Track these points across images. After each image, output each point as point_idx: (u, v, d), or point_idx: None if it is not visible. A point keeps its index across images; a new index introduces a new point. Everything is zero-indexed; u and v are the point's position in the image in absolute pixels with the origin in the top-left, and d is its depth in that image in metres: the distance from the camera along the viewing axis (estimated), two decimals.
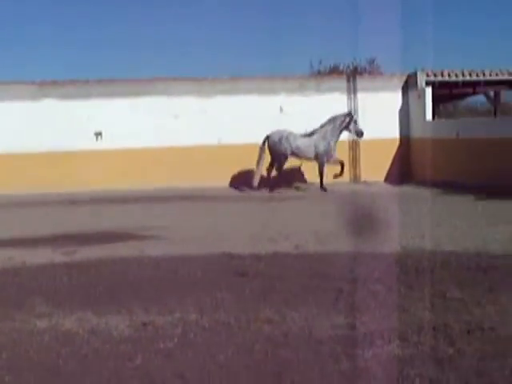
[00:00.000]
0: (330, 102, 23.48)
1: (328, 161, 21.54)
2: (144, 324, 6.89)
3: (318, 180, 21.44)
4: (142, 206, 18.26)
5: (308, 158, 21.81)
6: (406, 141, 24.14)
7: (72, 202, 19.33)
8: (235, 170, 22.94)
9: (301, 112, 23.13)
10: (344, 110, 23.72)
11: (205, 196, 19.80)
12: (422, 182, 21.04)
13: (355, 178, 23.70)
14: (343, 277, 8.69)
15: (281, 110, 23.52)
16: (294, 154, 21.54)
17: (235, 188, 22.20)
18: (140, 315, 7.23)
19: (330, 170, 21.50)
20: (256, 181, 21.46)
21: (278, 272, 9.09)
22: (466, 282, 8.21)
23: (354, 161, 23.73)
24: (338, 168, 21.32)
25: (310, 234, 12.11)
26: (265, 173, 21.74)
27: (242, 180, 22.65)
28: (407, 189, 20.76)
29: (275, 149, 21.40)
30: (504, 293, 7.65)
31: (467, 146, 20.27)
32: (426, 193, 18.99)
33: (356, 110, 23.84)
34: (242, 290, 8.14)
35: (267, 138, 21.53)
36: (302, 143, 21.36)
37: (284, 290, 8.08)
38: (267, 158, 21.65)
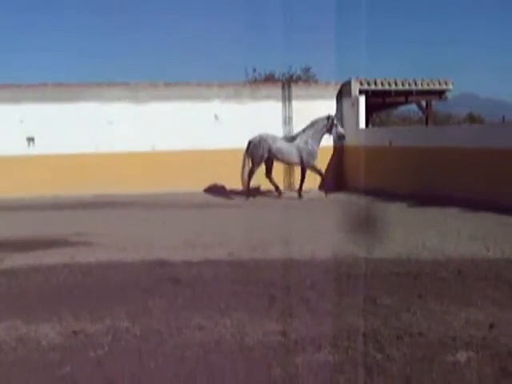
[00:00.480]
0: (265, 110, 23.61)
1: (310, 166, 21.24)
2: (74, 332, 6.81)
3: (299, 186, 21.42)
4: (76, 212, 18.04)
5: (292, 163, 21.61)
6: (340, 149, 24.36)
7: (2, 208, 18.99)
8: (170, 177, 22.77)
9: (236, 119, 23.22)
10: (279, 118, 23.88)
11: (140, 203, 19.65)
12: (356, 190, 21.27)
13: (290, 186, 23.81)
14: (276, 283, 8.73)
15: (216, 117, 23.53)
16: (275, 156, 21.12)
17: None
18: (70, 323, 7.13)
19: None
20: (244, 186, 21.10)
21: (210, 279, 9.09)
22: (396, 289, 8.33)
23: (289, 168, 23.84)
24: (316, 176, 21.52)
25: (245, 242, 12.12)
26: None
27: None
28: (341, 196, 20.96)
29: (253, 151, 21.04)
30: (433, 298, 7.79)
31: (400, 154, 20.58)
32: (358, 200, 19.19)
33: (290, 118, 24.00)
34: (174, 297, 8.10)
35: (249, 142, 21.20)
36: (284, 146, 21.00)
37: (216, 297, 8.07)
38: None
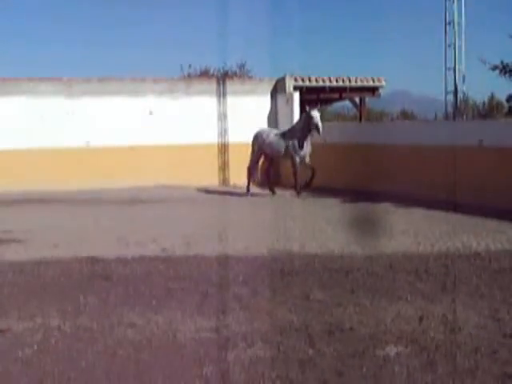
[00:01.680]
0: (200, 105, 23.53)
1: (300, 162, 19.60)
2: (2, 331, 6.68)
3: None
4: (6, 209, 17.69)
5: (280, 156, 20.54)
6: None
7: None
8: (104, 173, 22.46)
9: (170, 115, 23.09)
10: (214, 113, 23.81)
11: (73, 200, 19.38)
12: (291, 186, 21.32)
13: (224, 182, 23.79)
14: (209, 280, 8.72)
15: (150, 112, 23.35)
16: (267, 151, 20.54)
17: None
18: None
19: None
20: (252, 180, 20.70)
21: (143, 275, 9.03)
22: (328, 284, 8.40)
23: (223, 164, 23.83)
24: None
25: (179, 238, 12.06)
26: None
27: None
28: (276, 192, 20.99)
29: (252, 147, 20.68)
30: (364, 294, 7.87)
31: (334, 150, 20.73)
32: (293, 196, 19.26)
33: (225, 114, 23.96)
34: (105, 295, 8.03)
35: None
36: (274, 140, 20.24)
37: (148, 294, 8.02)
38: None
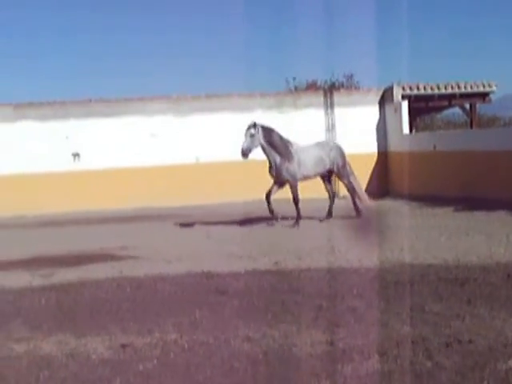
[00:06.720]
0: (307, 118, 23.56)
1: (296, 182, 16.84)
2: (123, 346, 6.85)
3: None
4: (122, 226, 18.17)
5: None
6: (383, 155, 24.25)
7: (49, 223, 19.22)
8: (215, 189, 22.78)
9: (278, 128, 23.17)
10: (321, 125, 23.82)
11: (186, 215, 19.68)
12: (400, 196, 21.11)
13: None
14: (322, 293, 8.70)
15: None
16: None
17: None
18: (119, 337, 7.19)
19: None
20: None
21: (257, 289, 9.09)
22: (444, 295, 8.24)
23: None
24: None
25: (290, 251, 12.08)
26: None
27: None
28: (385, 202, 20.79)
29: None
30: (482, 305, 7.68)
31: (444, 158, 20.40)
32: (404, 206, 19.05)
33: (333, 126, 23.93)
34: (221, 309, 8.12)
35: None
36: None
37: (263, 308, 8.06)
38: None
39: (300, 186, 16.90)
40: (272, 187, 16.86)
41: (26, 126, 22.82)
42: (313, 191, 18.14)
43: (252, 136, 16.54)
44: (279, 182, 16.89)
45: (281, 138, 16.88)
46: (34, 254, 13.36)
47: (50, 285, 10.16)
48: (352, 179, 17.48)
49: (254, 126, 16.63)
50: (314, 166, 17.05)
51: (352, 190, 17.37)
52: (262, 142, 16.66)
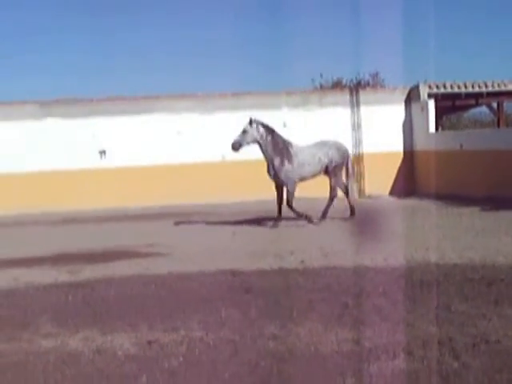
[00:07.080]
0: (333, 116, 23.52)
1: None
2: (149, 342, 6.88)
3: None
4: (146, 223, 18.27)
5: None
6: (409, 154, 24.14)
7: (75, 220, 19.34)
8: (239, 187, 22.76)
9: (304, 127, 23.16)
10: (347, 124, 23.77)
11: (211, 213, 19.72)
12: (427, 195, 21.01)
13: (359, 192, 23.64)
14: (348, 291, 8.69)
15: (284, 125, 23.49)
16: None
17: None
18: (145, 333, 7.22)
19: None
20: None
21: (283, 287, 9.09)
22: (470, 295, 8.19)
23: (358, 174, 23.70)
24: None
25: (316, 250, 12.08)
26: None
27: None
28: (412, 202, 20.71)
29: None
30: (509, 305, 7.62)
31: (471, 157, 20.28)
32: (430, 205, 18.96)
33: (359, 124, 23.87)
34: (246, 307, 8.12)
35: None
36: None
37: (289, 306, 8.06)
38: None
39: (317, 183, 16.83)
40: (277, 193, 16.62)
41: (53, 124, 22.98)
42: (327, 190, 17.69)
43: (245, 132, 16.39)
44: (277, 183, 16.70)
45: (282, 138, 16.70)
46: (60, 250, 13.45)
47: (77, 281, 10.22)
48: (347, 181, 17.16)
49: (251, 122, 16.42)
50: (312, 167, 16.72)
51: (334, 190, 16.92)
52: (260, 139, 16.49)
